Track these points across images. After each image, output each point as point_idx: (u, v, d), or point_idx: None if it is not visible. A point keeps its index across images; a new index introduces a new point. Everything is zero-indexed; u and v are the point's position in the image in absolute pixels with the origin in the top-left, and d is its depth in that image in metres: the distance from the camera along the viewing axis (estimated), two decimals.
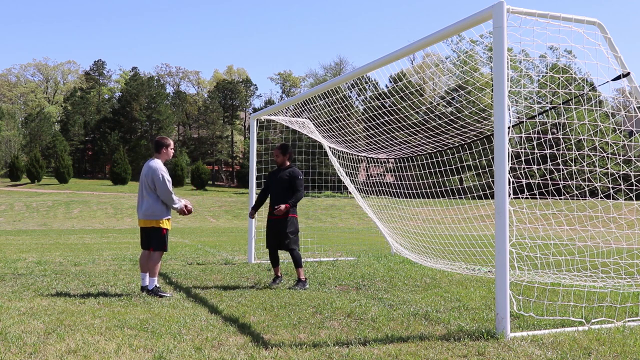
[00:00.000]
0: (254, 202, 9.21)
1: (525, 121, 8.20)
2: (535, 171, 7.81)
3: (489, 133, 9.17)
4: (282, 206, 8.05)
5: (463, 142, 10.49)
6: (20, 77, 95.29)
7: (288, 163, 8.49)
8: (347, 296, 7.31)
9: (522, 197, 6.93)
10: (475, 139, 10.41)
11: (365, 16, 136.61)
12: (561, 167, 8.00)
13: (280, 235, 8.15)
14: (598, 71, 6.24)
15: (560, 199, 9.79)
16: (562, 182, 8.48)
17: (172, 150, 7.65)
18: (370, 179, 14.89)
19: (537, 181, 8.13)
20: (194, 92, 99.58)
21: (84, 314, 6.07)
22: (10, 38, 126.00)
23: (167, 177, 7.37)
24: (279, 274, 8.51)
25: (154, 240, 7.39)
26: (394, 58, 6.70)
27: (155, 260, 7.38)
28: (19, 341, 4.88)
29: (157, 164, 7.46)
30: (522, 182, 7.02)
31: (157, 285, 7.38)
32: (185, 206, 7.59)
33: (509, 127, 5.44)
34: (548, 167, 8.06)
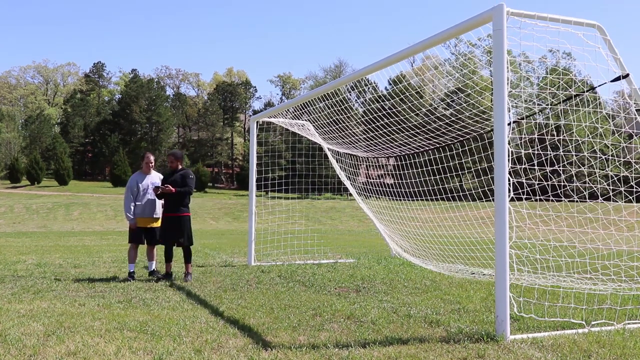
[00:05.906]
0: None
1: (525, 120, 8.21)
2: (536, 173, 7.81)
3: (488, 129, 9.18)
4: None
5: (461, 139, 10.48)
6: (20, 79, 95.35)
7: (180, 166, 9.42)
8: (347, 298, 7.31)
9: (522, 198, 6.93)
10: (474, 134, 10.40)
11: (365, 19, 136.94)
12: (561, 169, 8.00)
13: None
14: (598, 73, 6.26)
15: (559, 200, 9.79)
16: (562, 184, 8.48)
17: (151, 164, 9.49)
18: (370, 180, 14.88)
19: (536, 183, 8.13)
20: (194, 94, 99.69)
21: (83, 316, 6.07)
22: (10, 40, 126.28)
23: (128, 189, 9.31)
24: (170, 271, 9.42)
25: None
26: (393, 60, 6.70)
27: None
28: (19, 343, 4.88)
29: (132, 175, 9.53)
30: (522, 181, 7.02)
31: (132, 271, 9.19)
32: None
33: (508, 123, 5.44)
34: (548, 169, 8.06)
